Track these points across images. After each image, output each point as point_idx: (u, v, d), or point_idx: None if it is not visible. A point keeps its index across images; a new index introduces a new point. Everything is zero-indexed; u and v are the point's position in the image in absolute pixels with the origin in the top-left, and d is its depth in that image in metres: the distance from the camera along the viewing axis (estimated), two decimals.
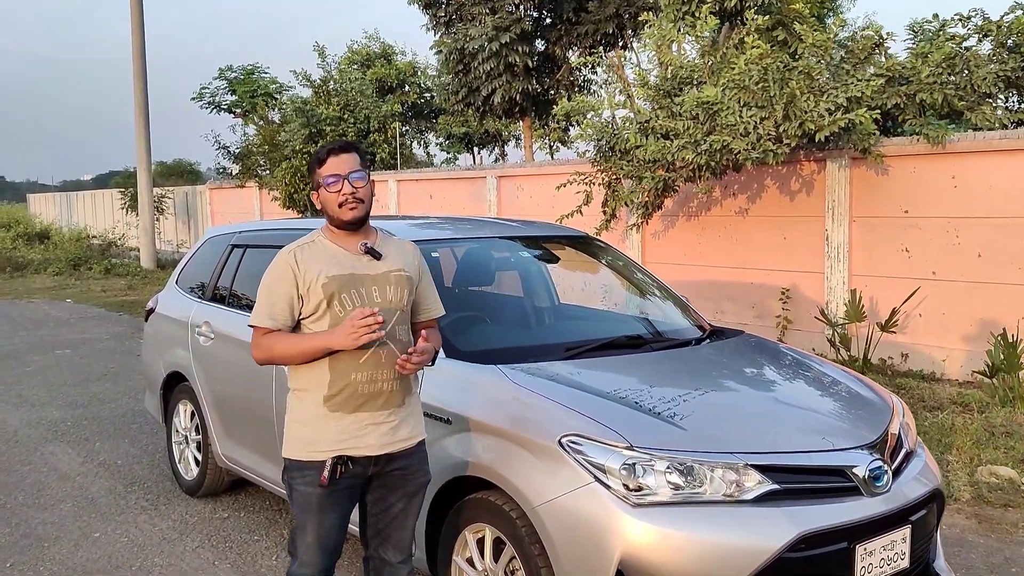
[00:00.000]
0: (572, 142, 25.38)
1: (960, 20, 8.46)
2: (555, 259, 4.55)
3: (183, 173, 38.76)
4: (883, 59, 8.52)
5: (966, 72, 7.97)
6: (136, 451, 5.99)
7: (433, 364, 2.91)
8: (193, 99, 23.27)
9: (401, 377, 2.81)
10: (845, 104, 7.51)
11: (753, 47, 8.15)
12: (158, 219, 22.15)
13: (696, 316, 4.23)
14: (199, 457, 4.96)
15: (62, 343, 10.67)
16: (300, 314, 2.81)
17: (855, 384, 3.61)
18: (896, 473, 3.02)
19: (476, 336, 3.77)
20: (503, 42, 12.85)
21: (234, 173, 18.35)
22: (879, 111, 7.66)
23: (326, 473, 2.72)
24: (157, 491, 5.16)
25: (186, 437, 5.13)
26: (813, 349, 8.90)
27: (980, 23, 8.27)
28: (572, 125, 23.30)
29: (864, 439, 3.01)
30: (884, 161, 8.09)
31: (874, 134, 7.86)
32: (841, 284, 8.72)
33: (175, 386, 5.18)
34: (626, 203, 9.82)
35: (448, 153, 23.19)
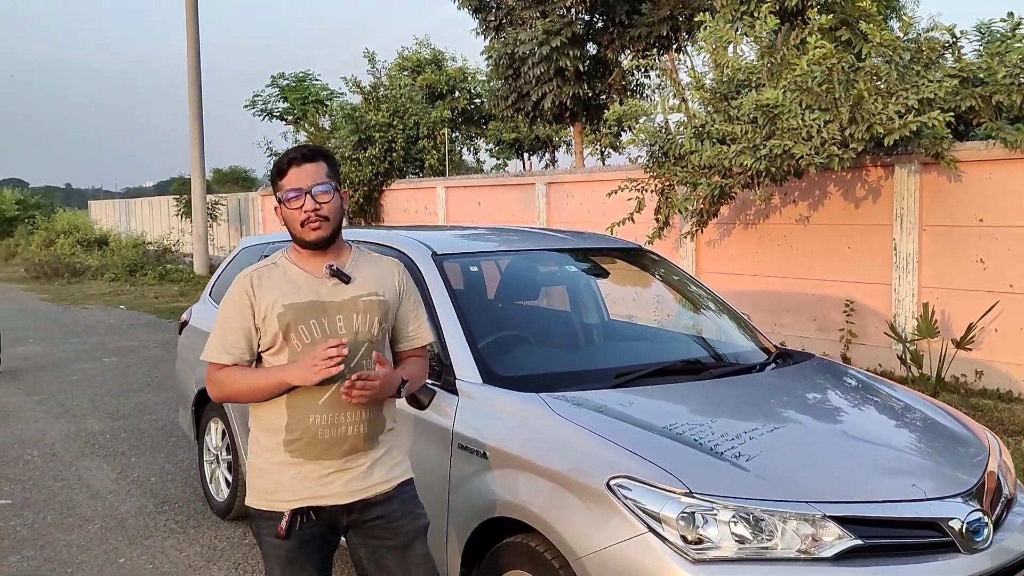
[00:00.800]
0: (623, 148, 25.01)
1: None
2: (604, 273, 4.20)
3: (239, 180, 39.23)
4: (954, 60, 8.02)
5: None
6: (171, 467, 5.82)
7: (399, 396, 2.55)
8: (246, 106, 23.46)
9: (370, 417, 2.48)
10: (916, 106, 7.05)
11: (816, 47, 7.74)
12: (211, 225, 22.31)
13: (760, 336, 3.85)
14: (230, 478, 4.74)
15: (110, 351, 10.66)
16: (259, 346, 2.49)
17: (945, 419, 3.20)
18: (996, 524, 2.63)
19: (518, 359, 3.45)
20: (553, 46, 12.56)
21: None
22: (952, 114, 7.18)
23: (283, 524, 2.42)
24: (187, 512, 4.96)
25: (217, 456, 4.92)
26: (879, 366, 8.42)
27: None
28: (623, 130, 22.92)
29: (960, 485, 2.62)
30: (957, 167, 7.60)
31: (947, 138, 7.38)
32: (910, 296, 8.23)
33: (207, 403, 4.97)
34: (680, 211, 9.46)
35: (498, 159, 23.00)
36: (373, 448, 2.51)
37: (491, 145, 22.73)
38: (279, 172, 2.48)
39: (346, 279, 2.49)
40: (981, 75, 7.65)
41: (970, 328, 6.70)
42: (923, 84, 7.23)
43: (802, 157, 7.29)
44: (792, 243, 9.31)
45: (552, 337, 3.86)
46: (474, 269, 3.69)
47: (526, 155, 23.49)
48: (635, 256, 4.30)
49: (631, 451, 2.55)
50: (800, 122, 7.38)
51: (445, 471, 2.99)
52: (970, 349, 6.84)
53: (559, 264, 4.12)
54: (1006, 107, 7.45)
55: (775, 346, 3.75)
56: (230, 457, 4.72)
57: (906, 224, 8.21)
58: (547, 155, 23.80)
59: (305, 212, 2.43)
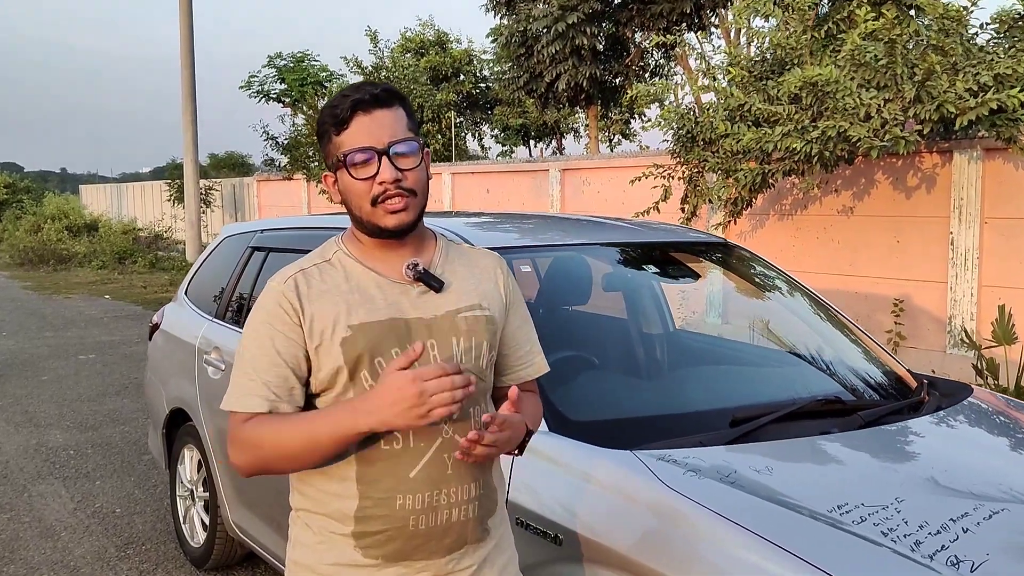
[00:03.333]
0: (634, 135, 24.13)
1: None
2: (689, 275, 3.28)
3: (234, 165, 38.29)
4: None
5: None
6: (141, 495, 5.00)
7: (520, 454, 1.75)
8: (241, 87, 22.51)
9: (482, 493, 1.68)
10: (991, 84, 6.24)
11: (866, 20, 6.92)
12: (205, 212, 21.47)
13: (889, 358, 2.98)
14: (207, 520, 3.91)
15: (88, 346, 9.84)
16: (308, 386, 1.66)
17: None
18: None
19: (589, 394, 2.55)
20: (570, 23, 11.71)
21: (282, 165, 17.51)
22: None
23: None
24: (156, 558, 4.13)
25: (192, 492, 4.08)
26: (932, 371, 7.64)
27: None
28: (634, 117, 22.06)
29: None
30: None
31: (1022, 119, 6.56)
32: (968, 296, 7.44)
33: (180, 424, 4.13)
34: (710, 200, 8.67)
35: (504, 145, 22.13)
36: (484, 540, 1.71)
37: (497, 131, 21.87)
38: (337, 121, 1.64)
39: (437, 285, 1.69)
40: None
41: None
42: (995, 60, 6.41)
43: (860, 140, 6.47)
44: (833, 236, 8.52)
45: (623, 359, 2.96)
46: (526, 269, 2.85)
47: (532, 142, 22.62)
48: (722, 253, 3.38)
49: (801, 558, 1.67)
50: (857, 101, 6.56)
51: None
52: None
53: (623, 264, 3.22)
54: None
55: (907, 370, 2.90)
56: (208, 495, 3.89)
57: (965, 216, 7.41)
58: (553, 142, 22.93)
59: (382, 184, 1.61)
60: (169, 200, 23.74)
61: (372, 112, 1.62)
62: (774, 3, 8.77)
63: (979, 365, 6.10)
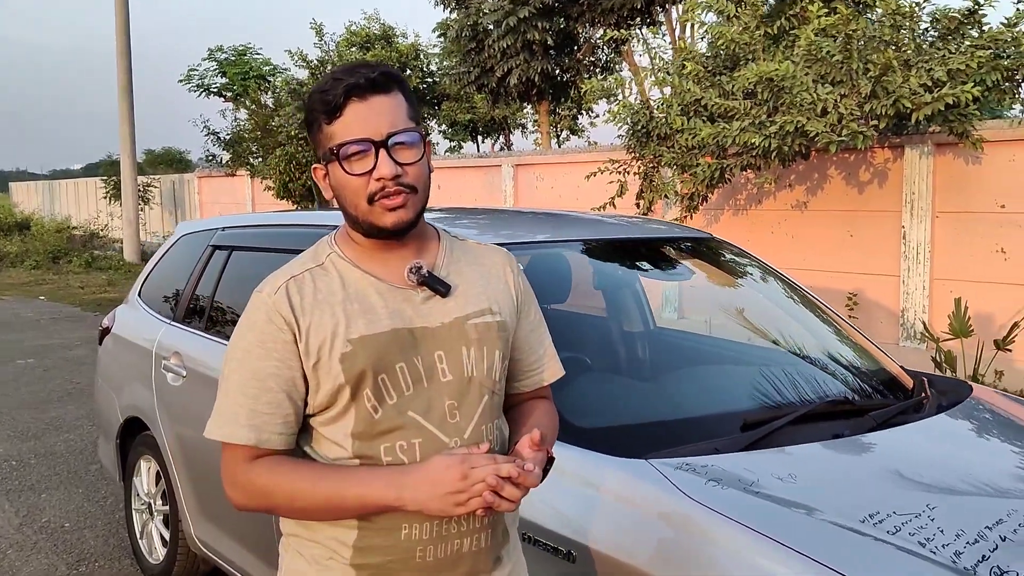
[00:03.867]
0: (582, 131, 24.13)
1: None
2: (680, 273, 3.16)
3: (172, 161, 37.37)
4: (975, 31, 7.31)
5: None
6: (91, 507, 4.75)
7: (542, 481, 1.49)
8: (180, 81, 21.92)
9: (493, 521, 1.53)
10: (944, 79, 6.32)
11: (818, 16, 6.97)
12: (143, 209, 20.88)
13: (887, 359, 2.90)
14: (167, 535, 3.70)
15: (27, 351, 9.42)
16: (306, 408, 1.50)
17: None
18: None
19: (590, 398, 2.43)
20: (521, 17, 11.60)
21: (224, 161, 17.07)
22: (981, 88, 6.47)
23: None
24: None
25: (150, 505, 3.86)
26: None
27: None
28: (582, 112, 22.06)
29: None
30: (979, 147, 6.92)
31: (975, 115, 6.67)
32: (921, 289, 7.57)
33: (136, 434, 3.91)
34: (666, 195, 8.67)
35: (452, 141, 21.93)
36: (497, 569, 1.56)
37: (444, 127, 21.66)
38: (329, 109, 1.46)
39: (444, 290, 1.52)
40: (1006, 48, 6.97)
41: (1015, 326, 6.01)
42: (949, 56, 6.50)
43: (819, 135, 6.51)
44: (787, 230, 8.59)
45: (615, 360, 2.85)
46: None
47: (480, 138, 22.47)
48: (708, 248, 3.28)
49: (829, 567, 1.58)
50: (813, 96, 6.59)
51: None
52: (1010, 350, 6.16)
53: (605, 259, 3.10)
54: None
55: (900, 367, 2.85)
56: (167, 508, 3.69)
57: (917, 210, 7.53)
58: (502, 138, 22.82)
59: (380, 180, 1.45)
60: (105, 197, 23.01)
61: (368, 99, 1.45)
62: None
63: (938, 358, 6.18)
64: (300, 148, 13.66)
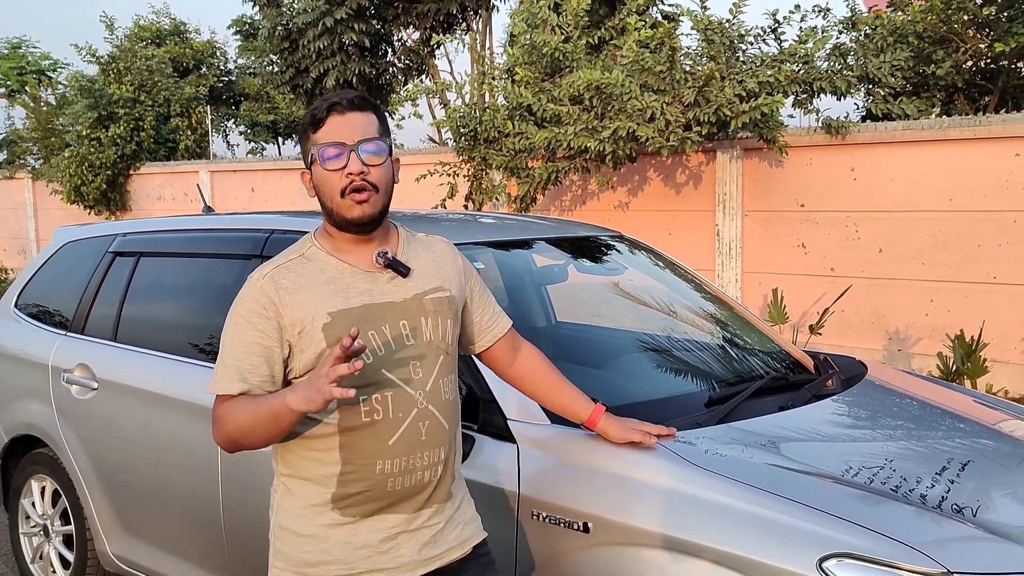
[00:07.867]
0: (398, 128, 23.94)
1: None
2: (609, 268, 3.35)
3: None
4: (775, 45, 8.10)
5: (861, 60, 7.68)
6: None
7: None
8: None
9: (447, 456, 1.94)
10: (756, 90, 6.96)
11: (637, 28, 7.47)
12: None
13: (787, 342, 3.20)
14: (70, 556, 3.48)
15: None
16: (289, 371, 1.89)
17: None
18: None
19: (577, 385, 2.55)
20: (337, 18, 11.44)
21: None
22: (790, 98, 7.20)
23: None
24: None
25: (46, 527, 3.63)
26: None
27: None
28: (391, 115, 21.92)
29: None
30: (781, 152, 7.67)
31: (782, 124, 7.41)
32: (734, 281, 8.26)
33: (23, 454, 3.67)
34: (497, 197, 8.91)
35: (253, 143, 21.08)
36: (449, 499, 1.98)
37: (244, 127, 20.79)
38: (314, 122, 1.89)
39: (405, 271, 1.93)
40: (802, 61, 7.76)
41: (825, 312, 6.73)
42: (759, 69, 7.17)
43: (648, 139, 6.96)
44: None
45: (577, 353, 3.00)
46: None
47: (281, 139, 21.78)
48: (617, 244, 3.46)
49: (835, 515, 1.80)
50: (642, 103, 7.05)
51: (509, 552, 2.16)
52: (821, 334, 6.90)
53: (532, 259, 3.23)
54: (831, 92, 7.59)
55: (802, 351, 3.17)
56: (70, 527, 3.46)
57: (728, 209, 8.21)
58: None
59: (348, 176, 1.85)
60: None
61: (346, 114, 1.87)
62: (548, 7, 9.18)
63: None
64: (92, 149, 12.68)
